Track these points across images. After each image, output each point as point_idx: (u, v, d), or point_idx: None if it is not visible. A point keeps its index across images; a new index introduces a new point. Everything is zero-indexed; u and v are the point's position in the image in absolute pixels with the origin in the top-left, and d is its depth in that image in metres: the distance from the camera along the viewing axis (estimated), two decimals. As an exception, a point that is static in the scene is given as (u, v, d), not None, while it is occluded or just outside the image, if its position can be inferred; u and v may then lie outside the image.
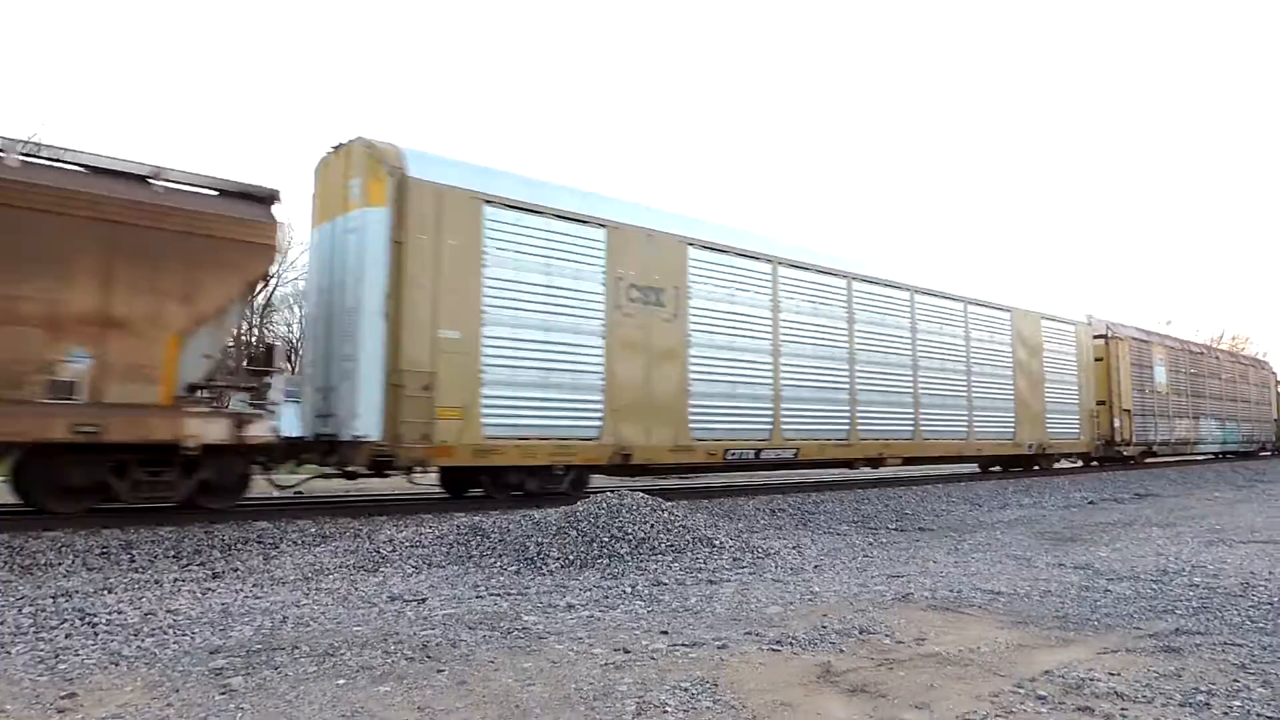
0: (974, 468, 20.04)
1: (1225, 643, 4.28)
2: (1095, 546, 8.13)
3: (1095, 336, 21.59)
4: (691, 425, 11.65)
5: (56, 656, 3.82)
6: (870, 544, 8.34)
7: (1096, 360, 21.39)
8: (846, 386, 14.01)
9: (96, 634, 4.25)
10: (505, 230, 10.14)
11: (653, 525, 7.16)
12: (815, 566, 6.79)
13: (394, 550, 6.73)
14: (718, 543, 7.17)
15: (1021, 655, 4.02)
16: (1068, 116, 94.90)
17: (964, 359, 16.57)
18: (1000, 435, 17.32)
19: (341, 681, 3.48)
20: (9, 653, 3.89)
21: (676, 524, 7.33)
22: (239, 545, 7.20)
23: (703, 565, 6.54)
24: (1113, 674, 3.67)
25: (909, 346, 15.40)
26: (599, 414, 10.73)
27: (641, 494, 7.74)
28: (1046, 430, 18.60)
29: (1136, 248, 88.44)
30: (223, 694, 3.30)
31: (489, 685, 3.45)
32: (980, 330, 17.10)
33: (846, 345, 14.15)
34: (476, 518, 7.96)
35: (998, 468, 19.52)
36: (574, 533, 6.86)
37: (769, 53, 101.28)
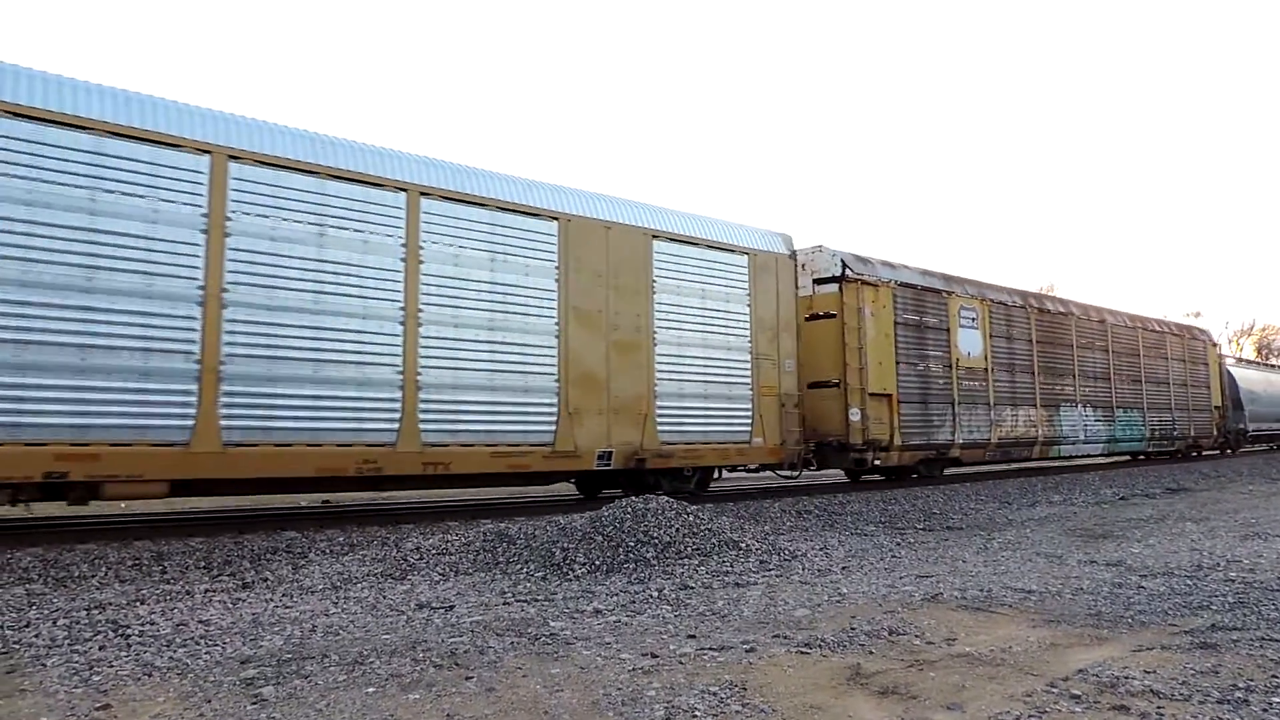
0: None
1: (1263, 638, 4.20)
2: (1128, 543, 8.01)
3: (821, 280, 14.14)
4: None
5: (91, 668, 3.86)
6: (898, 544, 8.27)
7: (819, 317, 14.10)
8: None
9: (129, 645, 4.30)
10: None
11: (678, 529, 7.15)
12: (843, 568, 6.75)
13: (421, 558, 6.76)
14: (744, 545, 7.14)
15: (1054, 654, 3.97)
16: (1085, 111, 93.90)
17: (398, 296, 9.34)
18: (514, 438, 10.01)
19: (371, 690, 3.50)
20: (44, 665, 3.95)
21: (702, 527, 7.31)
22: (268, 555, 7.26)
23: (729, 568, 6.52)
24: (1148, 672, 3.62)
25: (194, 265, 8.18)
26: None
27: (667, 498, 7.73)
28: (658, 429, 11.23)
29: (1165, 241, 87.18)
30: (254, 704, 3.33)
31: (517, 692, 3.46)
32: (454, 245, 9.81)
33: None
34: (502, 524, 7.98)
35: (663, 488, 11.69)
36: (600, 538, 6.86)
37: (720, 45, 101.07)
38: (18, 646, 4.30)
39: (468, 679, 3.64)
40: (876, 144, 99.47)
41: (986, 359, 16.64)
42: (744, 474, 14.67)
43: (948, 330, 15.83)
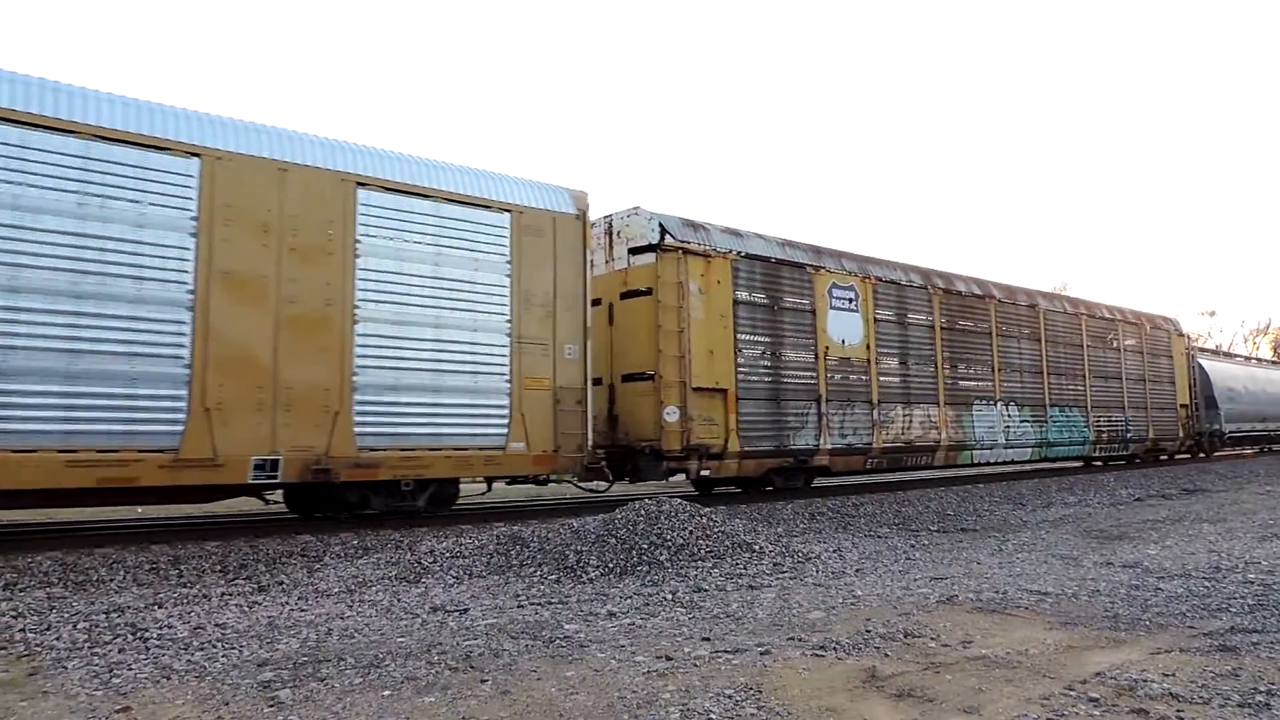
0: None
1: (1284, 641, 4.17)
2: (1144, 544, 7.96)
3: (637, 249, 11.50)
4: None
5: (110, 671, 3.90)
6: (912, 546, 8.25)
7: (635, 294, 11.46)
8: None
9: (148, 648, 4.33)
10: None
11: (691, 531, 7.15)
12: (857, 570, 6.73)
13: (435, 561, 6.78)
14: (757, 547, 7.14)
15: (1071, 657, 3.94)
16: (1098, 111, 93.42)
17: None
18: (109, 441, 7.48)
19: (387, 693, 3.51)
20: (65, 668, 3.98)
21: (715, 529, 7.30)
22: (283, 559, 7.30)
23: (743, 570, 6.51)
24: (1167, 675, 3.59)
25: None
26: None
27: (680, 500, 7.73)
28: (355, 430, 8.68)
29: (1181, 240, 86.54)
30: (271, 706, 3.35)
31: (532, 695, 3.46)
32: (9, 183, 7.29)
33: None
34: (515, 527, 8.00)
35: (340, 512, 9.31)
36: (613, 540, 6.87)
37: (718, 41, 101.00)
38: (39, 649, 4.34)
39: (483, 682, 3.65)
40: (889, 149, 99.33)
41: (869, 348, 13.70)
42: (564, 485, 12.11)
43: (813, 312, 12.98)
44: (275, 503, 9.98)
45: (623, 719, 3.16)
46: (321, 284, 8.64)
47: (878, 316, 13.98)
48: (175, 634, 4.65)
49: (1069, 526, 9.69)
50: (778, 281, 12.62)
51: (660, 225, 11.45)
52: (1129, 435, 19.44)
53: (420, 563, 6.76)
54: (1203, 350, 28.78)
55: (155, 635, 4.61)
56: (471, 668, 3.87)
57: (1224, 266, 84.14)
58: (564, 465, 10.14)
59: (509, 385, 9.75)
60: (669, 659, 3.97)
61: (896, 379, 14.14)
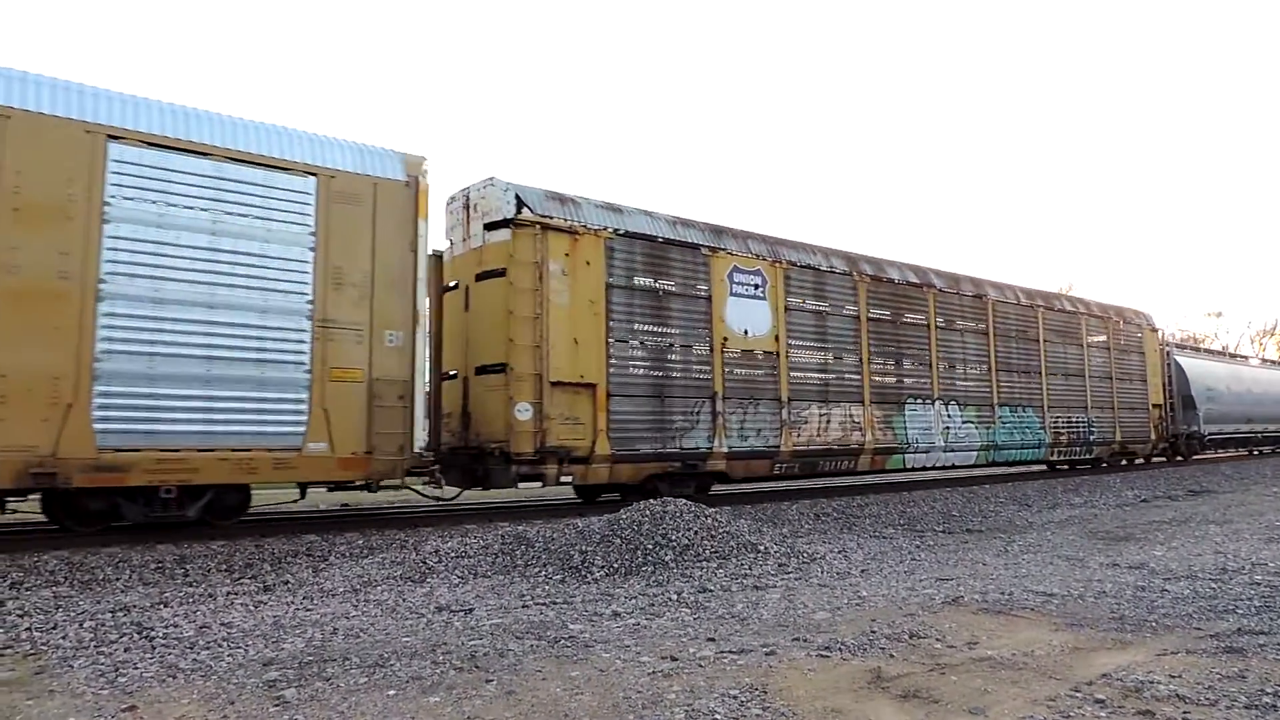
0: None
1: (1291, 643, 4.15)
2: (1150, 545, 7.95)
3: (494, 225, 10.24)
4: None
5: (116, 670, 3.91)
6: (917, 547, 8.24)
7: (491, 275, 10.20)
8: None
9: (154, 647, 4.34)
10: None
11: (696, 531, 7.15)
12: (862, 570, 6.73)
13: (440, 561, 6.79)
14: (762, 548, 7.13)
15: (1078, 658, 3.94)
16: (1105, 111, 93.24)
17: None
18: None
19: (392, 692, 3.52)
20: (71, 666, 4.00)
21: (720, 530, 7.30)
22: (289, 558, 7.32)
23: (748, 571, 6.51)
24: (1174, 676, 3.58)
25: None
26: None
27: (684, 500, 7.74)
28: (96, 427, 7.29)
29: (1189, 241, 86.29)
30: (276, 706, 3.35)
31: (537, 695, 3.47)
32: None
33: None
34: (520, 527, 8.01)
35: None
36: (618, 540, 6.87)
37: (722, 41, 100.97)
38: (45, 648, 4.36)
39: (488, 681, 3.65)
40: (897, 155, 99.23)
41: (777, 340, 12.27)
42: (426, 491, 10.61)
43: (709, 299, 11.59)
44: (15, 511, 8.27)
45: (628, 719, 3.16)
46: (53, 253, 7.26)
47: (789, 305, 12.56)
48: (181, 633, 4.66)
49: (1075, 528, 9.68)
50: (665, 264, 11.23)
51: (516, 197, 10.14)
52: (1092, 437, 18.05)
53: (425, 562, 6.77)
54: (1180, 347, 27.08)
55: (161, 634, 4.62)
56: (476, 667, 3.88)
57: (1231, 267, 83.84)
58: (380, 469, 8.74)
59: (308, 377, 8.34)
60: (674, 659, 3.97)
61: (812, 375, 12.71)
